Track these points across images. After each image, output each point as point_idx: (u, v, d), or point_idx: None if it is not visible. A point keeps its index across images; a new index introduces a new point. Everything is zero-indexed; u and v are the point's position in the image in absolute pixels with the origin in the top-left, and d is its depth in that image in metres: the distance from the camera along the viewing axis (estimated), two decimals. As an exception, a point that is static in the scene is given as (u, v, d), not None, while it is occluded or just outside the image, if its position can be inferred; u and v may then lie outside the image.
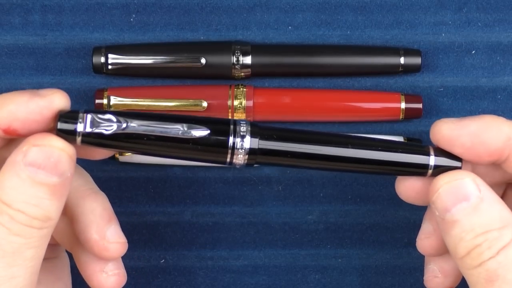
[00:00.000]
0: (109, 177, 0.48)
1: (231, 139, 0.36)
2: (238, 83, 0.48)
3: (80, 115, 0.36)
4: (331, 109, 0.48)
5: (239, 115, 0.47)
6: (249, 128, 0.36)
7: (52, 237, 0.40)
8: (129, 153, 0.47)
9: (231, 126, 0.36)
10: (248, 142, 0.36)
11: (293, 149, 0.37)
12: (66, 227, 0.40)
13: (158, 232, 0.48)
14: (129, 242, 0.47)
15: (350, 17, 0.49)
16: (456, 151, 0.36)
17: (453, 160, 0.37)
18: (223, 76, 0.48)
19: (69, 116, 0.35)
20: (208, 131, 0.35)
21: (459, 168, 0.37)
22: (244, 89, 0.48)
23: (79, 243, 0.39)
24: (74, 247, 0.40)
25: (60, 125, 0.35)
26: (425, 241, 0.39)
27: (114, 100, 0.47)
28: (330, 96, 0.48)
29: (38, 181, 0.34)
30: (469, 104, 0.49)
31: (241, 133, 0.36)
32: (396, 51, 0.48)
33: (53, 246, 0.41)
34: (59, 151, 0.35)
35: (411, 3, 0.49)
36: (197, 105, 0.47)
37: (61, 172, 0.35)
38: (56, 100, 0.36)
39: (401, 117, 0.48)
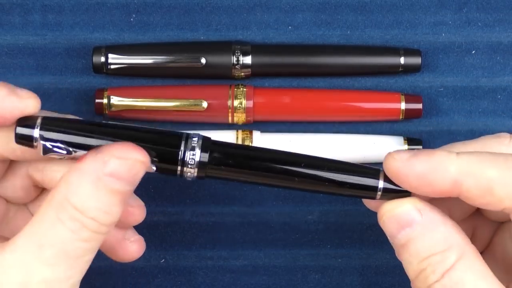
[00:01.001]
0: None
1: (180, 156, 0.37)
2: (238, 83, 0.48)
3: (36, 126, 0.37)
4: (331, 109, 0.48)
5: (239, 115, 0.47)
6: (200, 143, 0.37)
7: None
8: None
9: (182, 141, 0.37)
10: (198, 156, 0.37)
11: (242, 166, 0.38)
12: None
13: (158, 232, 0.48)
14: (129, 242, 0.47)
15: (350, 17, 0.49)
16: (404, 187, 0.37)
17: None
18: (223, 76, 0.48)
19: (27, 125, 0.37)
20: (155, 168, 0.37)
21: (408, 193, 0.37)
22: (244, 89, 0.48)
23: None
24: None
25: (18, 130, 0.37)
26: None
27: (114, 100, 0.47)
28: (330, 96, 0.48)
29: (116, 191, 0.35)
30: (469, 104, 0.49)
31: (192, 147, 0.37)
32: (396, 51, 0.48)
33: None
34: (141, 165, 0.36)
35: (411, 3, 0.49)
36: (197, 105, 0.47)
37: (136, 181, 0.36)
38: (31, 105, 0.37)
39: (401, 117, 0.48)
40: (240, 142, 0.47)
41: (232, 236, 0.48)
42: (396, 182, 0.37)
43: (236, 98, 0.47)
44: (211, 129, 0.48)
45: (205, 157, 0.37)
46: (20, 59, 0.49)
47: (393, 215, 0.37)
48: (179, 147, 0.37)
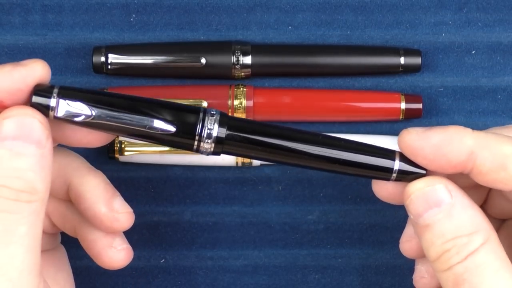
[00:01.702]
0: (109, 177, 0.48)
1: (198, 128, 0.37)
2: (238, 83, 0.48)
3: (55, 90, 0.36)
4: (331, 109, 0.48)
5: (239, 115, 0.47)
6: (218, 118, 0.37)
7: (53, 226, 0.41)
8: (130, 153, 0.47)
9: (200, 115, 0.37)
10: (215, 131, 0.37)
11: (258, 141, 0.37)
12: (68, 211, 0.40)
13: (158, 232, 0.48)
14: (129, 242, 0.47)
15: (350, 17, 0.49)
16: (419, 161, 0.36)
17: (418, 167, 0.37)
18: (223, 76, 0.48)
19: (43, 90, 0.36)
20: (174, 129, 0.37)
21: (424, 174, 0.37)
22: (244, 89, 0.48)
23: (84, 224, 0.40)
24: (79, 229, 0.40)
25: (35, 99, 0.36)
26: (406, 244, 0.39)
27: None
28: (330, 96, 0.48)
29: (17, 152, 0.34)
30: (469, 104, 0.49)
31: (210, 122, 0.37)
32: (396, 51, 0.48)
33: (50, 236, 0.41)
34: (31, 119, 0.34)
35: (411, 3, 0.49)
36: (197, 105, 0.47)
37: (37, 140, 0.34)
38: (38, 68, 0.36)
39: (401, 117, 0.48)
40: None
41: (232, 236, 0.48)
42: (411, 156, 0.36)
43: (236, 98, 0.47)
44: (211, 129, 0.48)
45: (223, 132, 0.37)
46: (20, 59, 0.48)
47: (423, 194, 0.36)
48: (197, 122, 0.37)
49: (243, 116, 0.47)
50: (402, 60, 0.48)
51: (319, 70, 0.48)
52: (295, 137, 0.38)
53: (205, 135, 0.37)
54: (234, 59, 0.47)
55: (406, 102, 0.48)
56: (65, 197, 0.40)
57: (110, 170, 0.48)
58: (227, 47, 0.48)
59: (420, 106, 0.48)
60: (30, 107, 0.35)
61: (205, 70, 0.48)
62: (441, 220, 0.36)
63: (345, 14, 0.49)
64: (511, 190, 0.36)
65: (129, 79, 0.48)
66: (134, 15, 0.49)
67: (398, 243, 0.47)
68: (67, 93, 0.36)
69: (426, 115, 0.48)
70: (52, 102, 0.36)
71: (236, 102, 0.47)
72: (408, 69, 0.48)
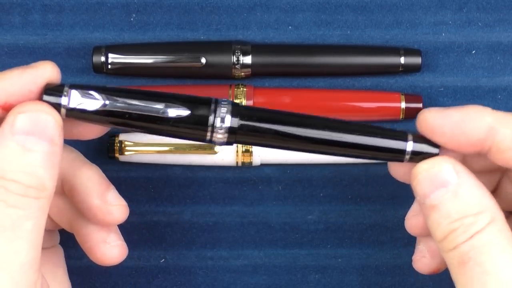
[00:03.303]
0: (109, 177, 0.47)
1: (211, 118, 0.36)
2: (238, 83, 0.48)
3: (65, 89, 0.36)
4: (331, 109, 0.48)
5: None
6: (230, 108, 0.37)
7: (51, 221, 0.41)
8: (130, 153, 0.47)
9: (212, 106, 0.37)
10: (228, 121, 0.37)
11: (272, 129, 0.37)
12: (64, 205, 0.40)
13: (158, 232, 0.48)
14: (129, 242, 0.47)
15: (350, 17, 0.49)
16: (438, 139, 0.36)
17: (431, 147, 0.37)
18: (223, 76, 0.48)
19: (54, 89, 0.36)
20: (189, 112, 0.36)
21: (437, 154, 0.37)
22: (244, 89, 0.48)
23: (79, 218, 0.40)
24: (74, 223, 0.40)
25: (46, 97, 0.35)
26: (412, 220, 0.39)
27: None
28: (330, 96, 0.48)
29: (29, 148, 0.34)
30: (469, 104, 0.48)
31: (222, 113, 0.37)
32: (396, 51, 0.48)
33: (50, 233, 0.41)
34: (46, 115, 0.35)
35: (411, 3, 0.49)
36: (197, 104, 0.47)
37: (50, 137, 0.34)
38: (48, 69, 0.36)
39: (401, 117, 0.48)
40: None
41: (232, 236, 0.48)
42: (431, 135, 0.37)
43: (236, 98, 0.47)
44: (211, 129, 0.48)
45: (236, 122, 0.37)
46: (20, 59, 0.49)
47: (430, 174, 0.36)
48: (209, 112, 0.37)
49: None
50: (402, 60, 0.48)
51: (319, 70, 0.48)
52: (308, 123, 0.38)
53: (217, 125, 0.37)
54: (234, 59, 0.47)
55: (406, 102, 0.48)
56: (61, 190, 0.40)
57: (110, 170, 0.48)
58: (227, 47, 0.48)
59: (420, 106, 0.48)
60: (45, 103, 0.35)
61: (205, 70, 0.48)
62: (447, 200, 0.36)
63: (345, 14, 0.49)
64: None
65: (129, 79, 0.48)
66: (134, 15, 0.49)
67: (398, 243, 0.47)
68: (79, 86, 0.36)
69: (426, 115, 0.48)
70: (64, 100, 0.36)
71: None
72: (408, 69, 0.48)
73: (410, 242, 0.45)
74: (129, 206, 0.47)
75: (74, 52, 0.49)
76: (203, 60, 0.47)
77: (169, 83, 0.48)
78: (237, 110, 0.37)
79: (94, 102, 0.36)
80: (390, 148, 0.37)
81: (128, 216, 0.47)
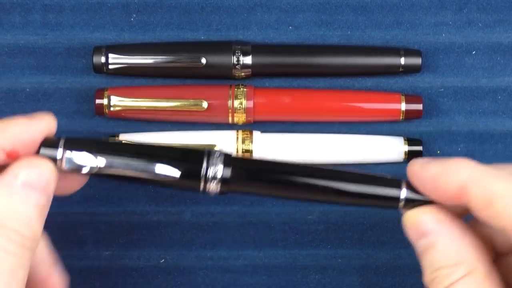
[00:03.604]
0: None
1: (203, 172, 0.38)
2: (238, 83, 0.48)
3: (61, 148, 0.37)
4: (332, 109, 0.48)
5: (239, 115, 0.47)
6: (222, 159, 0.38)
7: None
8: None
9: (204, 160, 0.38)
10: (220, 172, 0.38)
11: (264, 179, 0.38)
12: None
13: (158, 232, 0.48)
14: (129, 242, 0.47)
15: (351, 17, 0.49)
16: (422, 191, 0.37)
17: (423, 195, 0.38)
18: (223, 76, 0.48)
19: (51, 144, 0.38)
20: (180, 173, 0.38)
21: (430, 202, 0.37)
22: (245, 89, 0.48)
23: None
24: None
25: (44, 151, 0.37)
26: None
27: (114, 100, 0.47)
28: (330, 96, 0.48)
29: (30, 202, 0.36)
30: (470, 104, 0.49)
31: (214, 165, 0.38)
32: (396, 51, 0.48)
33: None
34: (48, 172, 0.37)
35: (411, 4, 0.49)
36: (197, 105, 0.47)
37: (48, 193, 0.37)
38: (51, 121, 0.38)
39: (401, 118, 0.48)
40: (240, 142, 0.47)
41: (232, 236, 0.48)
42: (415, 185, 0.37)
43: (236, 98, 0.47)
44: (211, 129, 0.48)
45: (228, 173, 0.38)
46: (21, 59, 0.49)
47: (413, 223, 0.37)
48: (201, 164, 0.38)
49: (243, 116, 0.47)
50: (402, 60, 0.48)
51: (319, 70, 0.48)
52: (301, 173, 0.38)
53: (210, 177, 0.38)
54: (235, 59, 0.47)
55: (407, 102, 0.48)
56: None
57: (110, 170, 0.48)
58: (227, 47, 0.48)
59: (420, 106, 0.48)
60: (49, 160, 0.37)
61: (206, 70, 0.48)
62: (428, 250, 0.37)
63: (346, 14, 0.49)
64: (500, 227, 0.35)
65: (129, 79, 0.48)
66: (134, 15, 0.49)
67: (398, 244, 0.47)
68: (73, 144, 0.38)
69: (426, 116, 0.48)
70: (59, 154, 0.37)
71: (236, 102, 0.47)
72: (409, 70, 0.48)
73: (410, 242, 0.45)
74: (129, 206, 0.48)
75: (75, 52, 0.49)
76: (203, 60, 0.47)
77: (169, 83, 0.48)
78: (229, 161, 0.38)
79: (85, 165, 0.37)
80: (384, 196, 0.38)
81: (128, 216, 0.47)
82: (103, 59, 0.47)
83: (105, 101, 0.47)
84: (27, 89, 0.48)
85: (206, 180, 0.38)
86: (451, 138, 0.48)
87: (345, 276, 0.48)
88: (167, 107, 0.47)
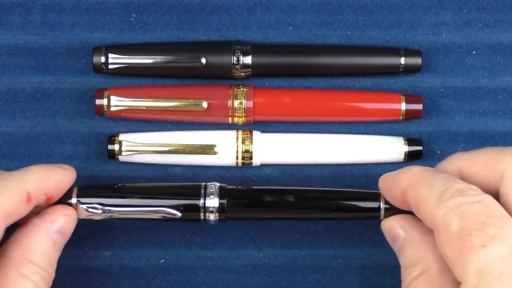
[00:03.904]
0: (109, 177, 0.48)
1: (201, 204, 0.44)
2: (238, 83, 0.48)
3: (75, 203, 0.44)
4: (331, 109, 0.48)
5: (239, 115, 0.47)
6: (217, 191, 0.44)
7: None
8: (129, 153, 0.47)
9: (201, 196, 0.44)
10: (217, 203, 0.44)
11: (257, 205, 0.44)
12: None
13: (158, 232, 0.48)
14: (129, 242, 0.47)
15: (351, 17, 0.49)
16: (387, 200, 0.43)
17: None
18: (223, 76, 0.48)
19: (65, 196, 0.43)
20: (180, 214, 0.44)
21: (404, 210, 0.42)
22: (244, 89, 0.48)
23: None
24: None
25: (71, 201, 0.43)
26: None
27: (114, 99, 0.47)
28: (330, 96, 0.48)
29: (58, 246, 0.42)
30: (470, 104, 0.49)
31: (210, 197, 0.44)
32: (396, 51, 0.48)
33: None
34: (75, 222, 0.43)
35: (411, 3, 0.49)
36: (197, 105, 0.47)
37: (68, 238, 0.43)
38: (74, 173, 0.44)
39: (401, 118, 0.48)
40: (240, 142, 0.47)
41: (232, 236, 0.48)
42: (383, 195, 0.43)
43: (236, 98, 0.47)
44: (211, 129, 0.48)
45: (224, 203, 0.44)
46: (20, 59, 0.49)
47: (386, 230, 0.43)
48: (199, 197, 0.44)
49: (243, 116, 0.47)
50: (402, 60, 0.48)
51: (319, 70, 0.48)
52: (290, 195, 0.44)
53: (208, 209, 0.44)
54: (234, 59, 0.47)
55: (407, 102, 0.48)
56: None
57: (110, 170, 0.48)
58: (227, 47, 0.48)
59: (420, 106, 0.48)
60: (74, 209, 0.43)
61: (205, 70, 0.48)
62: (399, 252, 0.42)
63: (346, 14, 0.49)
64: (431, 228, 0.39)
65: (129, 79, 0.48)
66: (134, 15, 0.49)
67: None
68: (85, 194, 0.44)
69: (426, 116, 0.48)
70: (73, 201, 0.43)
71: (236, 102, 0.47)
72: (409, 70, 0.48)
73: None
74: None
75: (74, 52, 0.49)
76: (203, 60, 0.47)
77: (169, 83, 0.48)
78: (223, 192, 0.44)
79: (97, 213, 0.43)
80: (367, 208, 0.44)
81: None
82: (103, 59, 0.47)
83: (105, 101, 0.47)
84: (27, 89, 0.48)
85: (205, 211, 0.43)
86: (451, 138, 0.48)
87: (345, 276, 0.48)
88: (167, 107, 0.47)
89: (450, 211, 0.37)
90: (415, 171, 0.40)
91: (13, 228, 0.42)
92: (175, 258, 0.48)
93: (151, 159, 0.47)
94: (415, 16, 0.49)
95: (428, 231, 0.40)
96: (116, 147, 0.47)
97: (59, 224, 0.42)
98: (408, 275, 0.41)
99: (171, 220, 0.44)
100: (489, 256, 0.35)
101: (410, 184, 0.40)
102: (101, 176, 0.47)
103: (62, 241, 0.43)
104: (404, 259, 0.41)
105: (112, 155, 0.47)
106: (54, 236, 0.42)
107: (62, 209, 0.43)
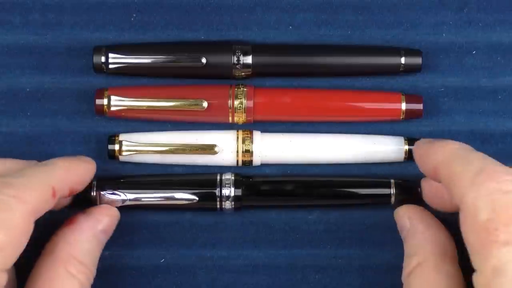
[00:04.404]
0: (109, 177, 0.48)
1: (217, 192, 0.46)
2: (238, 83, 0.48)
3: (93, 187, 0.46)
4: (332, 109, 0.48)
5: (239, 115, 0.47)
6: (233, 179, 0.46)
7: None
8: (130, 153, 0.47)
9: (217, 182, 0.46)
10: (232, 191, 0.46)
11: (273, 193, 0.47)
12: None
13: (158, 231, 0.48)
14: (129, 242, 0.47)
15: (351, 17, 0.49)
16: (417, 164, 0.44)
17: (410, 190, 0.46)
18: (223, 76, 0.48)
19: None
20: (197, 198, 0.46)
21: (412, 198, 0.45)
22: (245, 89, 0.48)
23: None
24: None
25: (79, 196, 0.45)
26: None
27: (114, 99, 0.47)
28: (330, 96, 0.48)
29: (101, 245, 0.44)
30: (470, 104, 0.49)
31: (226, 185, 0.46)
32: (396, 51, 0.48)
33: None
34: (117, 220, 0.45)
35: (412, 3, 0.49)
36: (197, 105, 0.47)
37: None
38: (94, 167, 0.45)
39: (401, 117, 0.48)
40: (240, 142, 0.47)
41: (232, 236, 0.48)
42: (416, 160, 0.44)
43: (236, 98, 0.47)
44: (212, 129, 0.48)
45: (239, 191, 0.46)
46: (20, 59, 0.49)
47: (397, 218, 0.45)
48: (215, 187, 0.46)
49: (243, 115, 0.47)
50: (402, 60, 0.48)
51: (319, 70, 0.48)
52: (303, 183, 0.47)
53: (224, 197, 0.46)
54: (235, 59, 0.47)
55: (407, 102, 0.48)
56: None
57: (110, 169, 0.48)
58: (227, 47, 0.48)
59: (420, 106, 0.48)
60: (117, 210, 0.46)
61: (206, 70, 0.48)
62: (404, 240, 0.44)
63: (346, 14, 0.49)
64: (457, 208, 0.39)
65: (130, 78, 0.48)
66: (134, 15, 0.49)
67: (398, 243, 0.47)
68: (103, 182, 0.46)
69: (427, 115, 0.48)
70: (93, 193, 0.46)
71: (236, 102, 0.47)
72: (409, 69, 0.48)
73: (410, 242, 0.45)
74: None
75: (75, 52, 0.49)
76: (204, 60, 0.47)
77: (169, 83, 0.48)
78: (239, 181, 0.46)
79: (117, 200, 0.46)
80: (379, 194, 0.46)
81: (128, 216, 0.47)
82: (103, 59, 0.47)
83: (105, 101, 0.47)
84: (27, 89, 0.48)
85: (221, 200, 0.46)
86: (451, 138, 0.48)
87: (345, 276, 0.48)
88: (167, 106, 0.47)
89: (481, 196, 0.36)
90: (451, 147, 0.40)
91: (60, 225, 0.44)
92: (175, 258, 0.48)
93: (151, 159, 0.47)
94: (416, 16, 0.49)
95: (433, 224, 0.41)
96: (116, 147, 0.47)
97: (104, 224, 0.44)
98: (408, 266, 0.42)
99: (188, 209, 0.46)
100: (510, 256, 0.35)
101: (445, 160, 0.40)
102: (101, 176, 0.47)
103: (104, 240, 0.44)
104: (406, 249, 0.43)
105: (112, 155, 0.47)
106: (99, 236, 0.44)
107: (106, 209, 0.45)
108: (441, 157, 0.40)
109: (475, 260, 0.36)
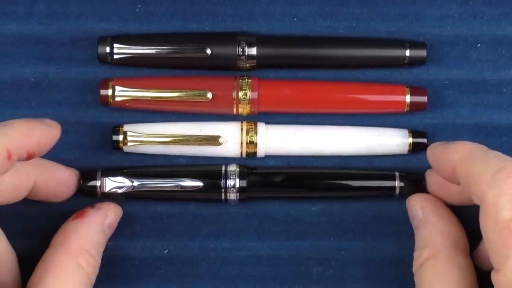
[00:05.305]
0: (113, 167, 0.48)
1: (222, 183, 0.46)
2: (243, 74, 0.48)
3: (98, 177, 0.46)
4: (336, 101, 0.48)
5: (243, 106, 0.47)
6: (238, 171, 0.46)
7: None
8: (134, 143, 0.47)
9: (222, 173, 0.46)
10: (238, 182, 0.46)
11: (278, 184, 0.47)
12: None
13: (162, 222, 0.48)
14: (132, 232, 0.47)
15: (356, 9, 0.49)
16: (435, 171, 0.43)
17: (415, 182, 0.46)
18: (228, 67, 0.48)
19: (90, 177, 0.46)
20: (202, 184, 0.46)
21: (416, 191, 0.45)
22: (249, 80, 0.48)
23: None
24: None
25: (83, 185, 0.46)
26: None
27: (118, 90, 0.47)
28: (335, 88, 0.48)
29: (106, 238, 0.45)
30: (474, 97, 0.48)
31: (231, 176, 0.46)
32: (401, 44, 0.48)
33: None
34: (120, 216, 0.46)
35: (417, -4, 0.49)
36: (201, 95, 0.47)
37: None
38: (59, 130, 0.42)
39: (406, 110, 0.48)
40: (244, 133, 0.47)
41: (236, 228, 0.48)
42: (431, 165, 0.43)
43: (241, 89, 0.47)
44: (216, 120, 0.48)
45: (244, 182, 0.46)
46: (25, 49, 0.49)
47: (409, 207, 0.45)
48: (220, 178, 0.46)
49: (248, 107, 0.47)
50: (407, 52, 0.48)
51: (324, 62, 0.48)
52: (308, 174, 0.47)
53: (229, 187, 0.46)
54: (240, 50, 0.47)
55: (411, 94, 0.48)
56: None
57: (114, 160, 0.48)
58: (232, 38, 0.48)
59: (425, 99, 0.48)
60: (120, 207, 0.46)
61: (210, 61, 0.48)
62: (415, 230, 0.44)
63: (351, 6, 0.49)
64: (475, 202, 0.38)
65: (134, 69, 0.48)
66: (139, 5, 0.49)
67: (402, 236, 0.47)
68: (108, 172, 0.46)
69: (431, 108, 0.48)
70: (98, 182, 0.46)
71: (240, 94, 0.47)
72: (413, 62, 0.48)
73: (413, 235, 0.45)
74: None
75: (79, 43, 0.49)
76: (208, 51, 0.47)
77: (174, 74, 0.48)
78: (244, 172, 0.46)
79: (122, 186, 0.46)
80: (384, 187, 0.47)
81: (132, 206, 0.47)
82: (108, 49, 0.47)
83: (109, 92, 0.47)
84: (32, 79, 0.48)
85: (226, 191, 0.46)
86: (455, 131, 0.48)
87: (349, 268, 0.48)
88: (171, 97, 0.47)
89: (502, 195, 0.36)
90: (468, 147, 0.40)
91: (69, 217, 0.45)
92: (178, 249, 0.48)
93: (155, 150, 0.47)
94: (420, 8, 0.49)
95: (445, 215, 0.42)
96: (120, 137, 0.47)
97: (110, 218, 0.45)
98: (419, 257, 0.41)
99: (192, 200, 0.47)
100: None
101: (463, 159, 0.39)
102: (105, 166, 0.47)
103: (109, 235, 0.45)
104: (417, 239, 0.43)
105: (117, 146, 0.47)
106: (105, 230, 0.45)
107: (113, 206, 0.46)
108: (459, 157, 0.40)
109: (496, 259, 0.36)
